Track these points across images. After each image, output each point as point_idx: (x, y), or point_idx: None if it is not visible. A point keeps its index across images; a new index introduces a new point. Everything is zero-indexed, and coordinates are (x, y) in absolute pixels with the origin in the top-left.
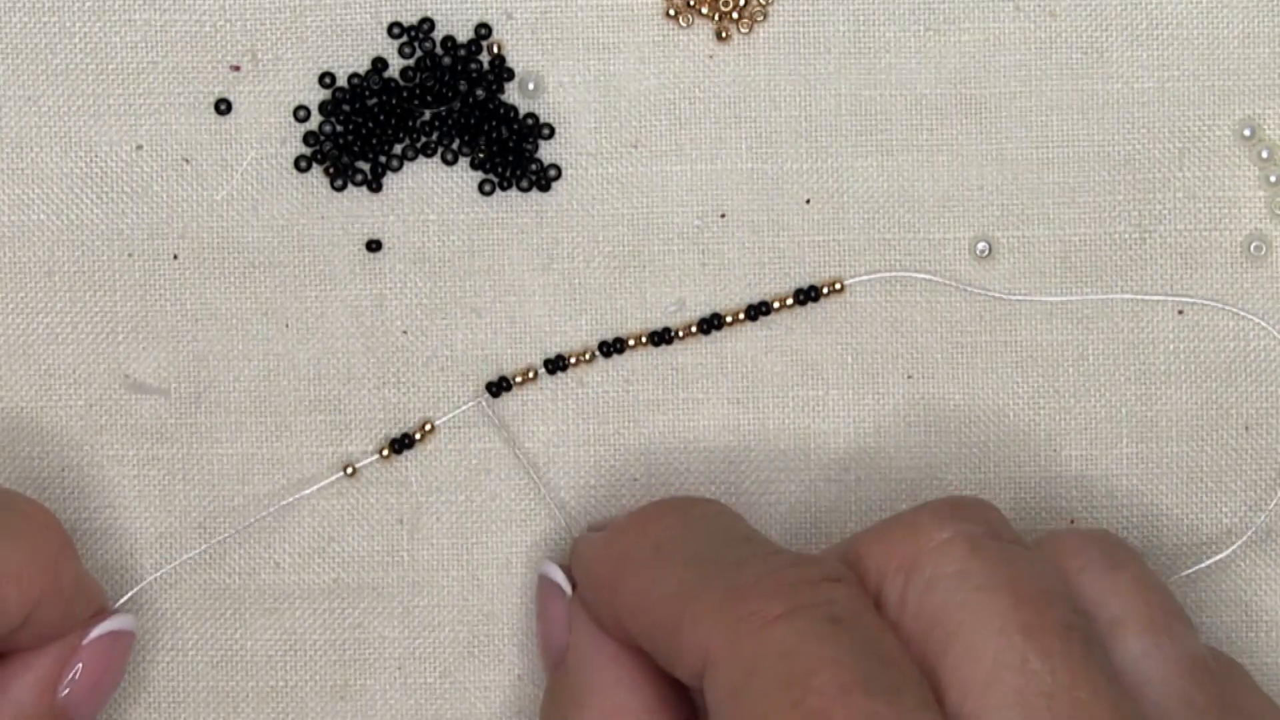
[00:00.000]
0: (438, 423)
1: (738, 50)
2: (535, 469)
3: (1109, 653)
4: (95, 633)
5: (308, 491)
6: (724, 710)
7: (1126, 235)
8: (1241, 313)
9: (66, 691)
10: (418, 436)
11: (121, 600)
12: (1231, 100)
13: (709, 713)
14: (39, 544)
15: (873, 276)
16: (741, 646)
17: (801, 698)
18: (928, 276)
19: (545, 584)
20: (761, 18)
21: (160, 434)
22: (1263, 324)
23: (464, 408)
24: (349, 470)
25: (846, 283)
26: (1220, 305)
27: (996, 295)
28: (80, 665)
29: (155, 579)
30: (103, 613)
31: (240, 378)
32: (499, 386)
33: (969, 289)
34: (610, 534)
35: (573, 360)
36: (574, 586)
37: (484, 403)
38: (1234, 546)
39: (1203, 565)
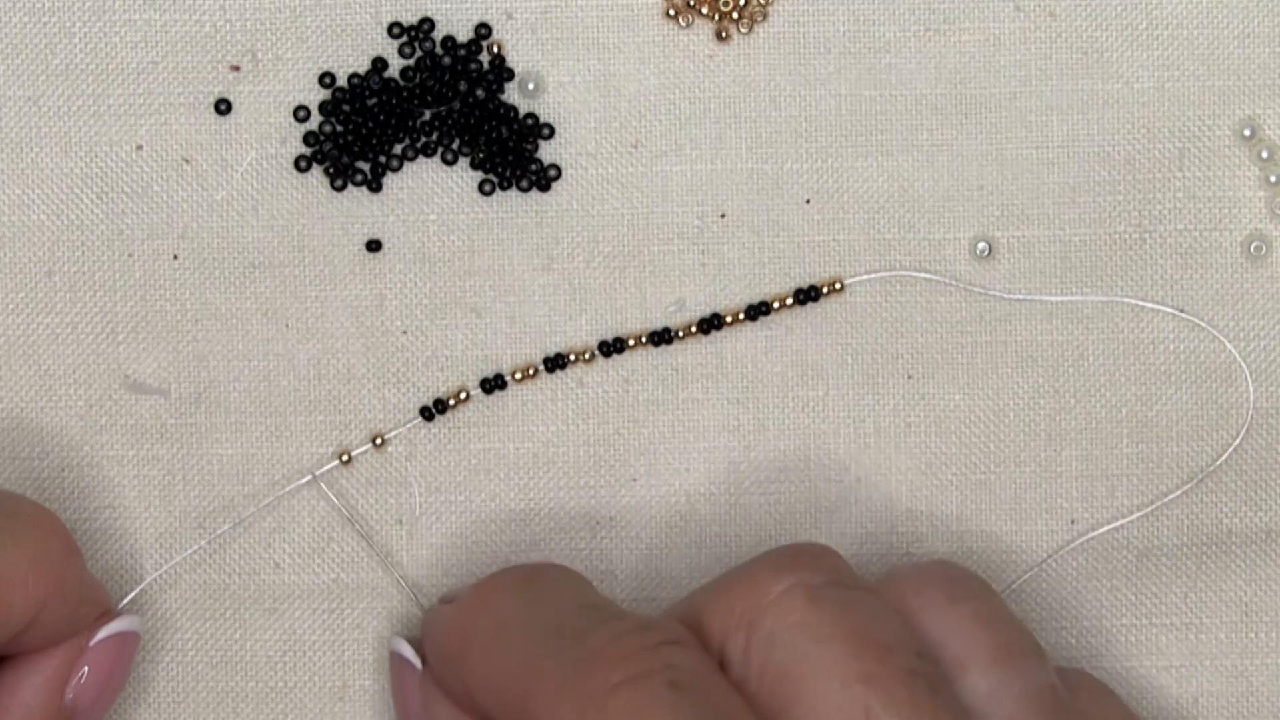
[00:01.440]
0: (388, 435)
1: (738, 50)
2: (376, 547)
3: (955, 693)
4: (101, 635)
5: (303, 481)
6: None
7: (1126, 235)
8: (1186, 316)
9: (73, 694)
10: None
11: (124, 601)
12: (1231, 100)
13: None
14: (44, 548)
15: (873, 276)
16: (588, 718)
17: None
18: (928, 276)
19: (396, 661)
20: (761, 18)
21: (160, 434)
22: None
23: (408, 424)
24: (345, 459)
25: (846, 282)
26: (1172, 311)
27: (997, 295)
28: (86, 668)
29: (158, 577)
30: (108, 615)
31: (240, 378)
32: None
33: (969, 288)
34: (455, 609)
35: (572, 358)
36: (424, 661)
37: (318, 481)
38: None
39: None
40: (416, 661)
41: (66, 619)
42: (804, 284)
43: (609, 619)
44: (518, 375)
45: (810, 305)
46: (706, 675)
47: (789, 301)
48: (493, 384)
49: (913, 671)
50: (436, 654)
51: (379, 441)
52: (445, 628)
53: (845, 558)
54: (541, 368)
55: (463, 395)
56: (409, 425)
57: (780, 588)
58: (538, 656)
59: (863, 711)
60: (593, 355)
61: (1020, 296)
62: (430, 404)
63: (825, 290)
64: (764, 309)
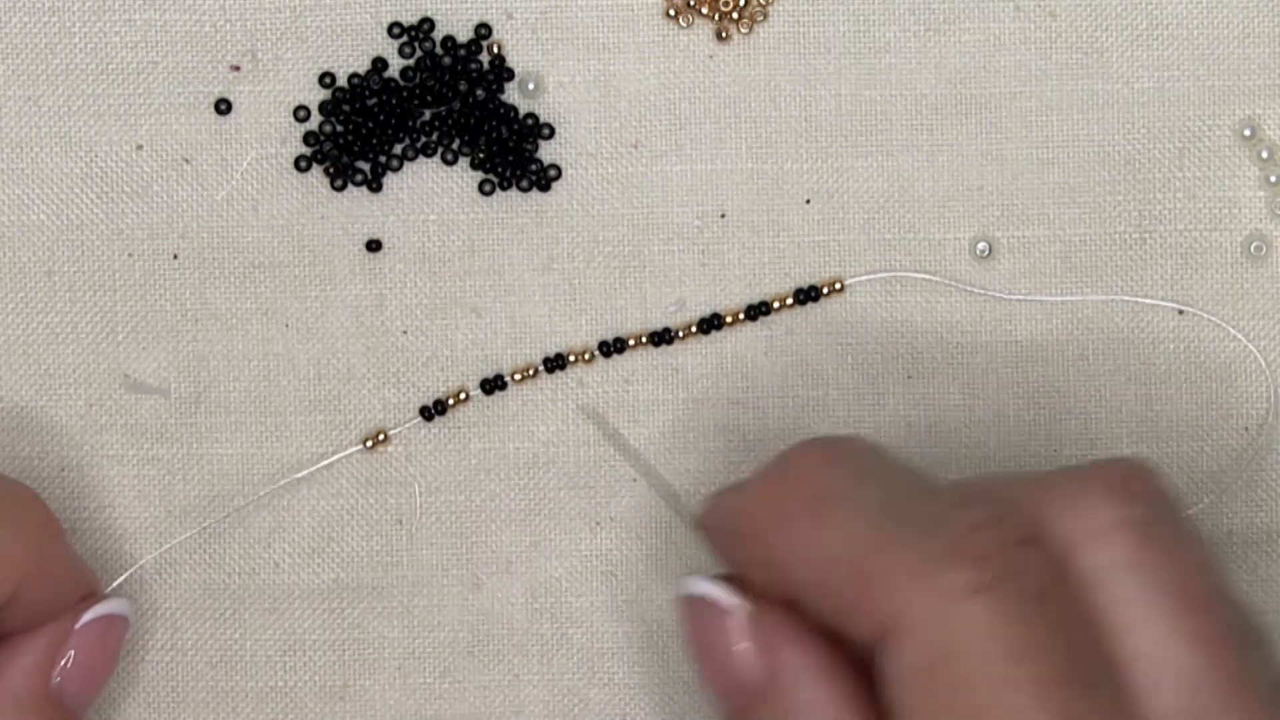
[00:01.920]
0: (390, 432)
1: (738, 50)
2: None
3: (1268, 654)
4: (87, 617)
5: (325, 464)
6: (913, 684)
7: (1126, 235)
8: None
9: (59, 678)
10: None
11: (114, 584)
12: (1231, 100)
13: (888, 681)
14: (21, 522)
15: (873, 276)
16: (938, 620)
17: (1004, 689)
18: (927, 276)
19: (698, 606)
20: (761, 18)
21: (160, 434)
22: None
23: (409, 423)
24: (369, 444)
25: (847, 282)
26: (1206, 315)
27: (996, 295)
28: (73, 651)
29: (151, 560)
30: (95, 597)
31: (240, 378)
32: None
33: (969, 289)
34: (757, 484)
35: (572, 359)
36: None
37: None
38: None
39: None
40: (731, 599)
41: (50, 597)
42: (804, 284)
43: (954, 505)
44: (517, 376)
45: (810, 305)
46: (1061, 586)
47: (789, 301)
48: (492, 384)
49: (1230, 627)
50: (732, 533)
51: (381, 438)
52: (745, 504)
53: None
54: (541, 368)
55: (462, 395)
56: (408, 424)
57: (1112, 517)
58: (874, 538)
59: (1188, 670)
60: (592, 355)
61: (1020, 296)
62: (430, 404)
63: (825, 290)
64: (764, 309)
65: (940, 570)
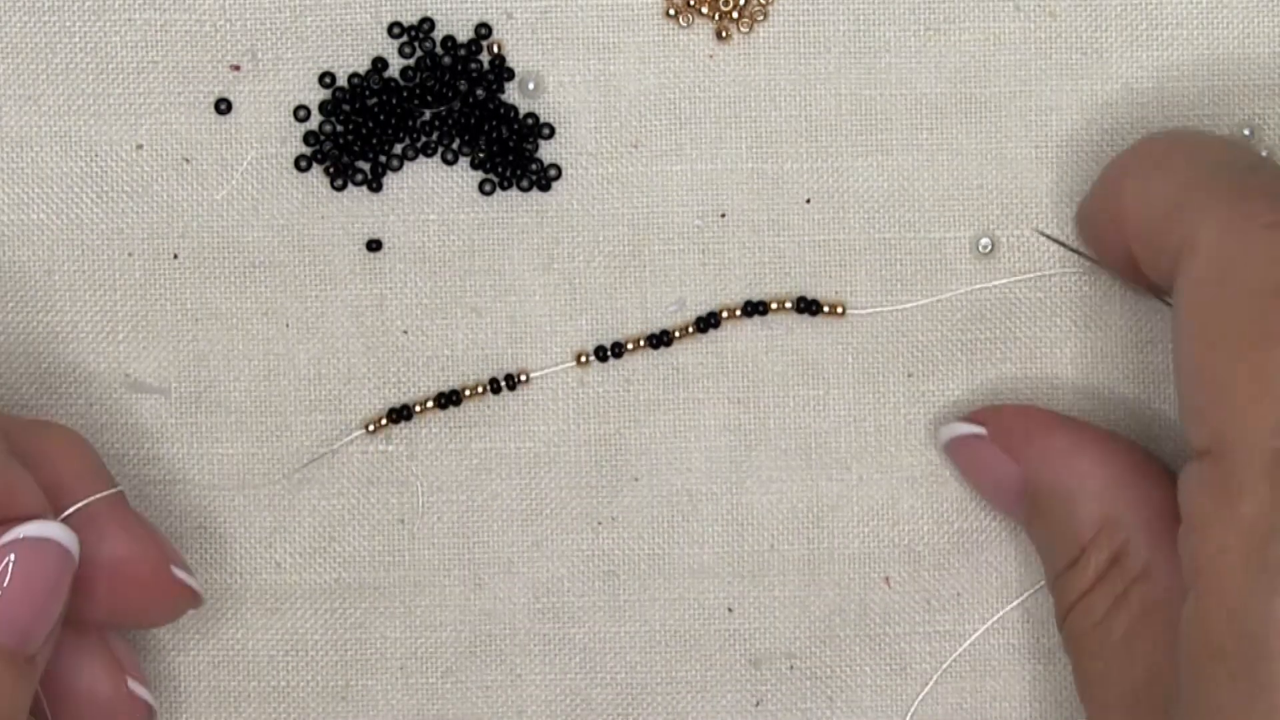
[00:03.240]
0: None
1: (738, 50)
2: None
3: None
4: (21, 532)
5: (336, 447)
6: (1191, 297)
7: None
8: None
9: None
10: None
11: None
12: (1231, 100)
13: (1176, 296)
14: None
15: (875, 311)
16: (1229, 241)
17: (1265, 312)
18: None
19: (959, 444)
20: (761, 18)
21: (160, 434)
22: None
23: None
24: (370, 428)
25: (850, 312)
26: None
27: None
28: (9, 561)
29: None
30: (35, 519)
31: (240, 378)
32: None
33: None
34: (1119, 158)
35: (573, 361)
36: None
37: None
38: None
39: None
40: (979, 429)
41: None
42: (805, 284)
43: (1269, 167)
44: (522, 378)
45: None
46: None
47: (787, 305)
48: (499, 384)
49: None
50: (1097, 188)
51: (383, 423)
52: (1107, 168)
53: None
54: (541, 368)
55: (471, 391)
56: (419, 411)
57: None
58: (1200, 177)
59: None
60: (588, 359)
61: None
62: (441, 394)
63: (826, 310)
64: (761, 308)
65: (1241, 201)
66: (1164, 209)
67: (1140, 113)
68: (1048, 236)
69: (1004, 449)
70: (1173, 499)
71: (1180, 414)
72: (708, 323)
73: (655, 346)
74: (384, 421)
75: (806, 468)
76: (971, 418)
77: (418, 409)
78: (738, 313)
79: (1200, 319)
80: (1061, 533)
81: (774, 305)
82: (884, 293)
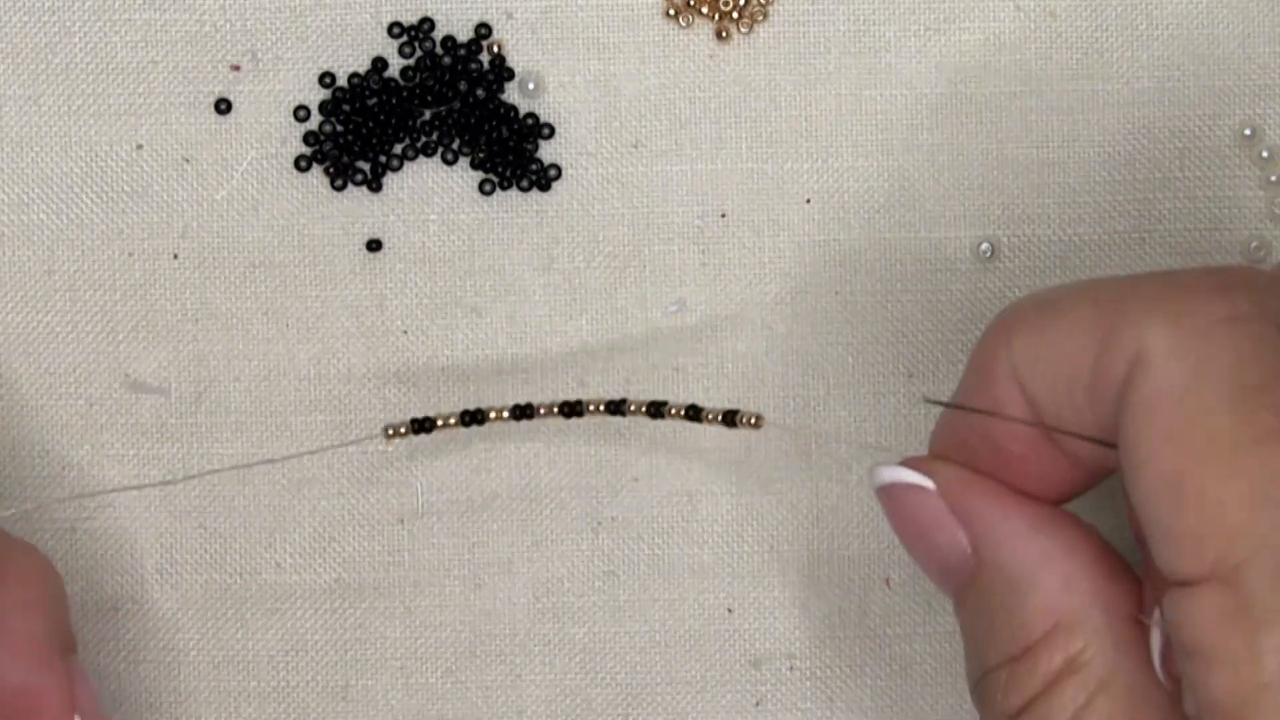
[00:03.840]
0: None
1: (738, 50)
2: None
3: None
4: None
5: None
6: (1156, 411)
7: (1126, 235)
8: None
9: None
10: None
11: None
12: (1231, 100)
13: (1129, 418)
14: None
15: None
16: (1188, 345)
17: (1252, 412)
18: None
19: (896, 492)
20: (761, 18)
21: (160, 434)
22: None
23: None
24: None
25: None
26: None
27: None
28: None
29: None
30: None
31: (240, 378)
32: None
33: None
34: (992, 329)
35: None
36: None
37: None
38: None
39: None
40: (926, 480)
41: None
42: (805, 284)
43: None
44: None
45: (810, 305)
46: None
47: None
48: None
49: None
50: (977, 354)
51: (402, 431)
52: (976, 348)
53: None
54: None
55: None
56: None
57: None
58: (1119, 295)
59: None
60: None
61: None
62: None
63: (742, 421)
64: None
65: (1184, 298)
66: (1080, 343)
67: (1140, 113)
68: (936, 403)
69: (954, 510)
70: (1135, 599)
71: (1154, 543)
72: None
73: (567, 416)
74: (404, 430)
75: (806, 468)
76: (919, 464)
77: (440, 423)
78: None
79: (1173, 433)
80: (1005, 623)
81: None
82: (884, 293)
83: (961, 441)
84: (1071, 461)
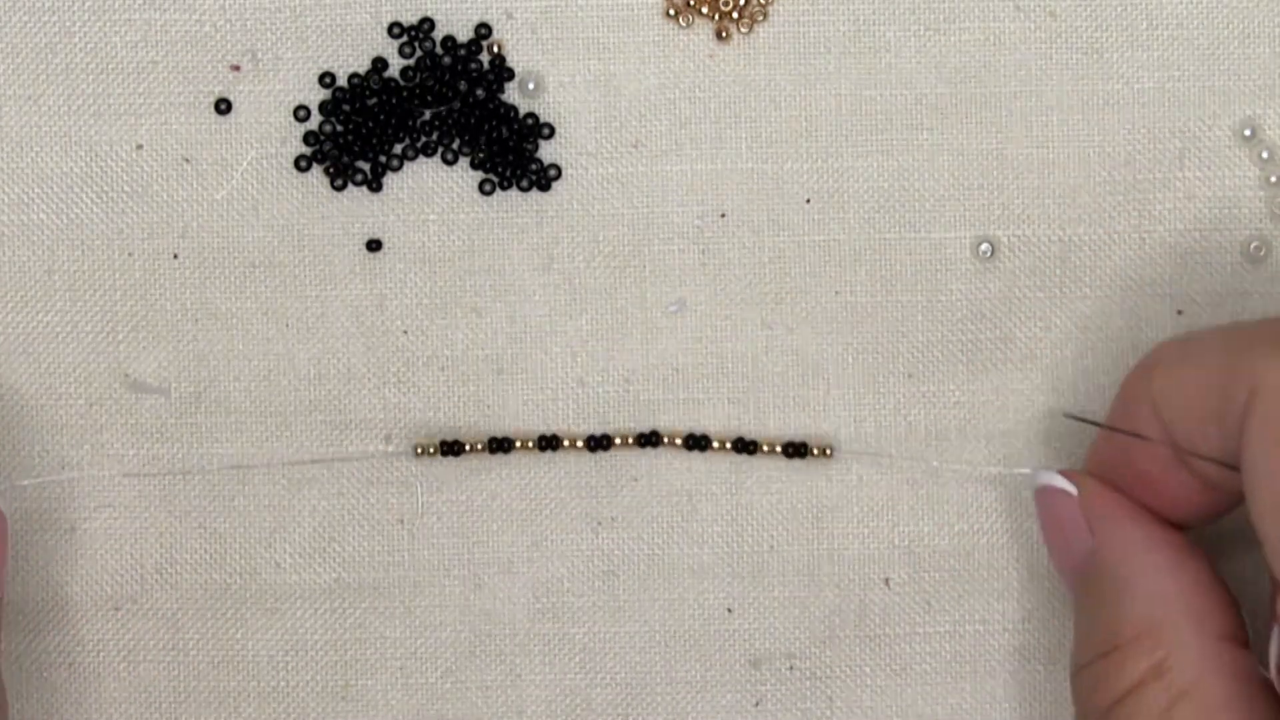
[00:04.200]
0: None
1: (738, 50)
2: None
3: None
4: None
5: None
6: (1270, 436)
7: (1126, 235)
8: None
9: None
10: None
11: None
12: (1231, 100)
13: (1248, 442)
14: None
15: (865, 453)
16: None
17: None
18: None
19: (1047, 494)
20: (761, 18)
21: (160, 434)
22: None
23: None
24: (419, 451)
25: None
26: None
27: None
28: None
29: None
30: None
31: (240, 378)
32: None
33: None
34: (1139, 366)
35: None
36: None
37: None
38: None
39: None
40: (1071, 488)
41: None
42: (804, 284)
43: None
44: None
45: (810, 307)
46: None
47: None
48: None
49: None
50: (1122, 395)
51: (432, 450)
52: (1127, 378)
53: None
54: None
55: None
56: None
57: None
58: (1239, 333)
59: None
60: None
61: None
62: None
63: (815, 452)
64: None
65: None
66: (1209, 378)
67: (1140, 113)
68: (1080, 419)
69: (1086, 516)
70: (1230, 621)
71: (1271, 556)
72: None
73: (592, 448)
74: (433, 450)
75: (806, 468)
76: (1069, 474)
77: (468, 448)
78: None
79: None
80: (1104, 621)
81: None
82: (884, 293)
83: (1108, 462)
84: (1202, 484)
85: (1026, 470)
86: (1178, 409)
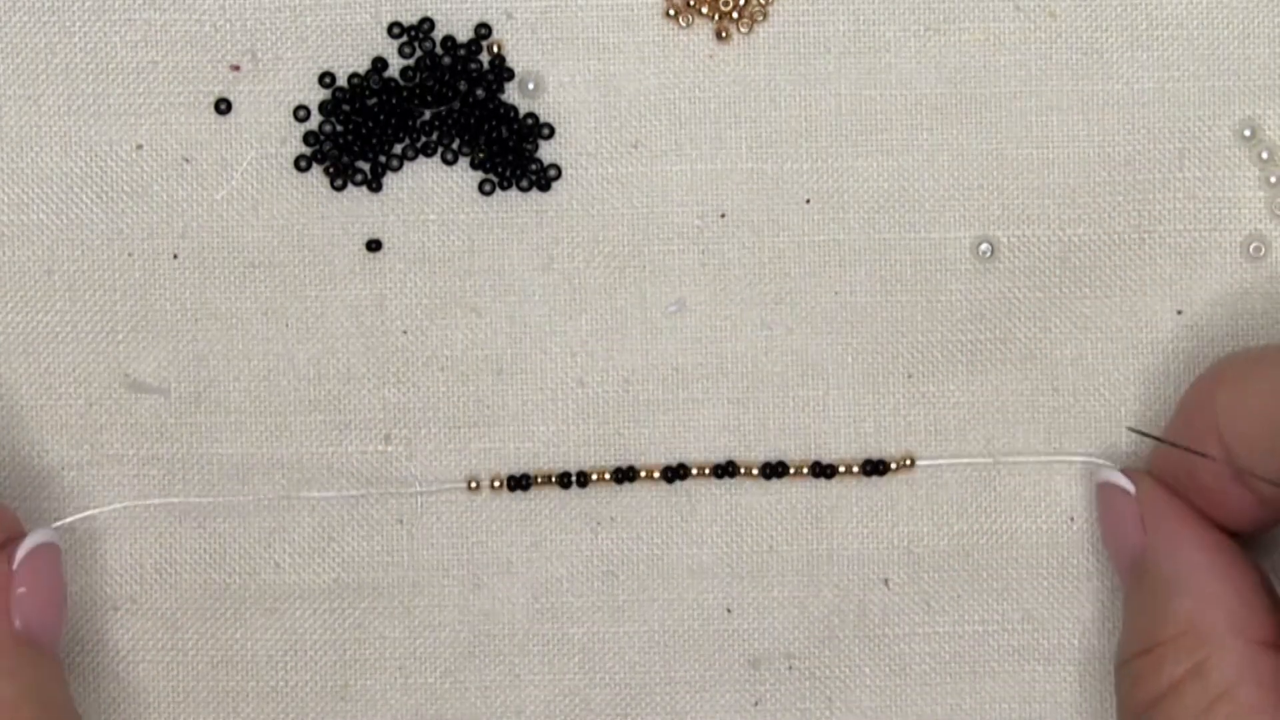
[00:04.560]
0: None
1: (738, 50)
2: None
3: None
4: (21, 553)
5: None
6: None
7: (1126, 235)
8: None
9: (19, 619)
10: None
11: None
12: (1231, 100)
13: None
14: None
15: (940, 462)
16: None
17: None
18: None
19: (1108, 490)
20: (761, 18)
21: (160, 434)
22: None
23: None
24: (472, 485)
25: (919, 464)
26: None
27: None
28: (21, 588)
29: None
30: (21, 534)
31: (240, 378)
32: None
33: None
34: (1205, 378)
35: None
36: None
37: None
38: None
39: None
40: (1130, 486)
41: None
42: (804, 284)
43: None
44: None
45: (810, 307)
46: None
47: (855, 470)
48: (622, 475)
49: None
50: (1183, 407)
51: (474, 486)
52: (1190, 391)
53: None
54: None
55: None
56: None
57: None
58: None
59: None
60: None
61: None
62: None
63: (894, 466)
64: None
65: None
66: (1271, 403)
67: (1140, 113)
68: (1141, 434)
69: (1143, 514)
70: (1275, 631)
71: None
72: (725, 470)
73: (619, 482)
74: (496, 484)
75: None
76: (1130, 473)
77: (539, 480)
78: (754, 470)
79: None
80: (1149, 618)
81: (841, 468)
82: (884, 293)
83: (1170, 468)
84: (1259, 500)
85: (1102, 461)
86: (1240, 428)
